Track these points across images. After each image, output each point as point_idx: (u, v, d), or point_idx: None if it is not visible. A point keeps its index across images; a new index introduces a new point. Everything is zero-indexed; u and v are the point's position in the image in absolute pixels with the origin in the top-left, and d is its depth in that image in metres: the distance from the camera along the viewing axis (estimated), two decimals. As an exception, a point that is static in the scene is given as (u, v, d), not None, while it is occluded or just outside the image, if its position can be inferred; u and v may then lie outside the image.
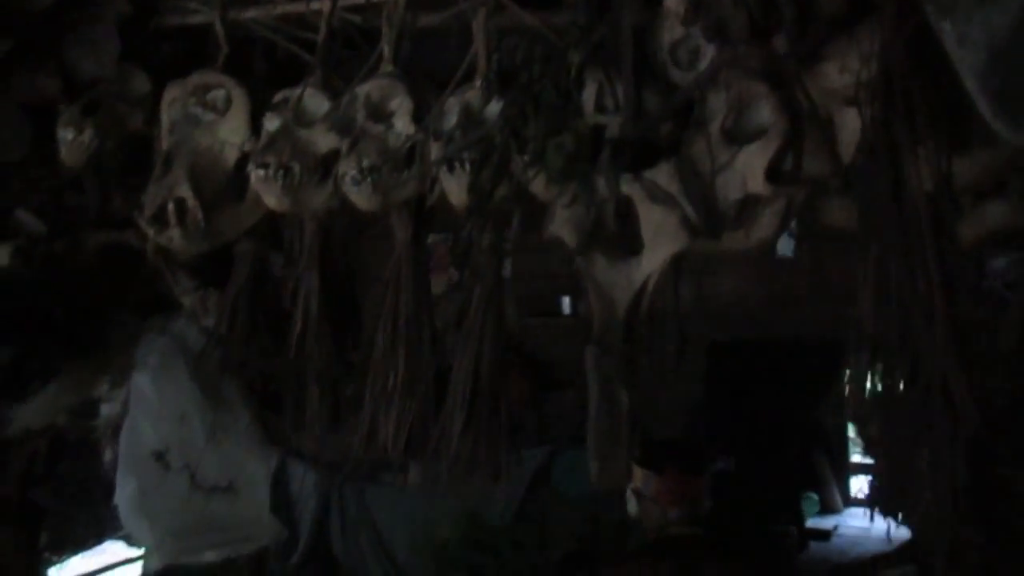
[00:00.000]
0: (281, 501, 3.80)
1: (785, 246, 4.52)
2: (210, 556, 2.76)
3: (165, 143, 2.81)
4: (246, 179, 2.73)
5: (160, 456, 2.67)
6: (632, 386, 2.03)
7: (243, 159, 2.76)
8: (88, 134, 2.79)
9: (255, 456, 2.81)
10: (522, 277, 2.65)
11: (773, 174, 2.08)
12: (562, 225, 2.15)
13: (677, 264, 2.19)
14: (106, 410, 2.91)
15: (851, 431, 4.94)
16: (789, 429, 4.41)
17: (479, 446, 2.38)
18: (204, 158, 2.76)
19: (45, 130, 2.92)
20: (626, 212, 2.18)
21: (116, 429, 2.82)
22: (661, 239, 2.09)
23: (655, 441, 2.53)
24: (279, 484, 4.33)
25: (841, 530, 4.09)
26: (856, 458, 5.26)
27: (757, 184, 2.09)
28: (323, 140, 2.61)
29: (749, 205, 2.13)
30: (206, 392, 2.77)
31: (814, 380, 4.49)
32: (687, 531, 2.26)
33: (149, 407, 2.73)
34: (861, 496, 4.88)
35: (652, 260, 2.11)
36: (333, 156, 2.61)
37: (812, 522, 4.34)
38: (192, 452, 2.69)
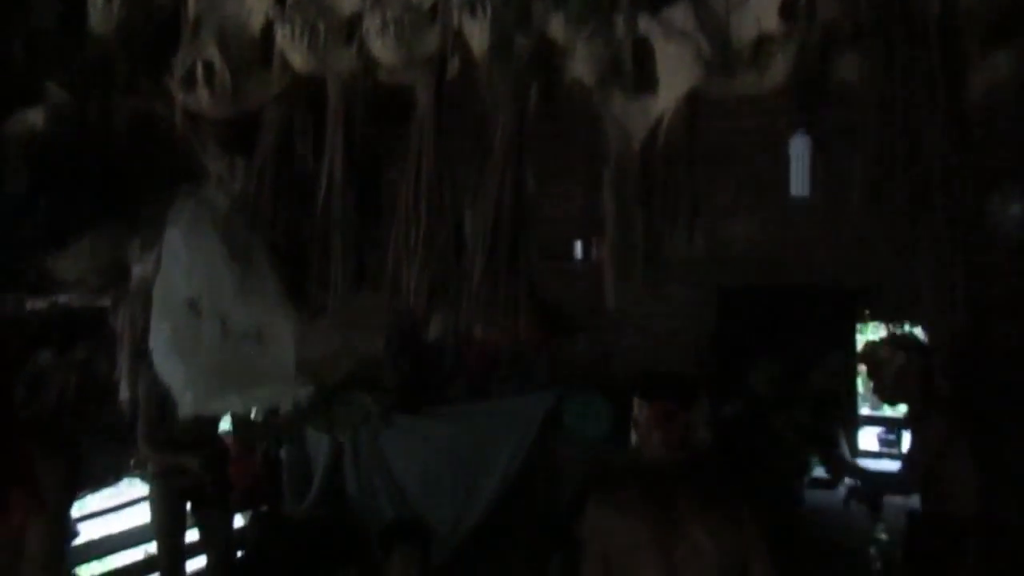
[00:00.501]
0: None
1: (800, 184, 4.46)
2: (236, 402, 2.89)
3: (193, 11, 2.89)
4: (272, 45, 2.83)
5: (192, 304, 2.79)
6: (646, 207, 2.11)
7: (269, 26, 2.84)
8: (117, 1, 2.87)
9: (281, 314, 2.93)
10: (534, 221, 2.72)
11: (787, 12, 2.14)
12: (581, 63, 2.22)
13: (692, 104, 2.27)
14: (138, 271, 3.03)
15: (860, 384, 4.93)
16: (798, 378, 4.42)
17: (498, 291, 2.46)
18: (231, 24, 2.84)
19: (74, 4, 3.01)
20: (643, 54, 2.25)
21: (144, 292, 2.94)
22: (676, 74, 2.16)
23: (652, 373, 2.63)
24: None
25: (847, 480, 4.14)
26: (865, 410, 5.28)
27: (771, 22, 2.15)
28: (347, 1, 2.69)
29: (763, 45, 2.19)
30: (234, 252, 2.89)
31: (825, 328, 4.52)
32: (668, 456, 2.32)
33: (180, 260, 2.84)
34: (869, 448, 4.91)
35: (667, 95, 2.18)
36: (357, 20, 2.69)
37: (817, 471, 4.37)
38: (222, 302, 2.82)
